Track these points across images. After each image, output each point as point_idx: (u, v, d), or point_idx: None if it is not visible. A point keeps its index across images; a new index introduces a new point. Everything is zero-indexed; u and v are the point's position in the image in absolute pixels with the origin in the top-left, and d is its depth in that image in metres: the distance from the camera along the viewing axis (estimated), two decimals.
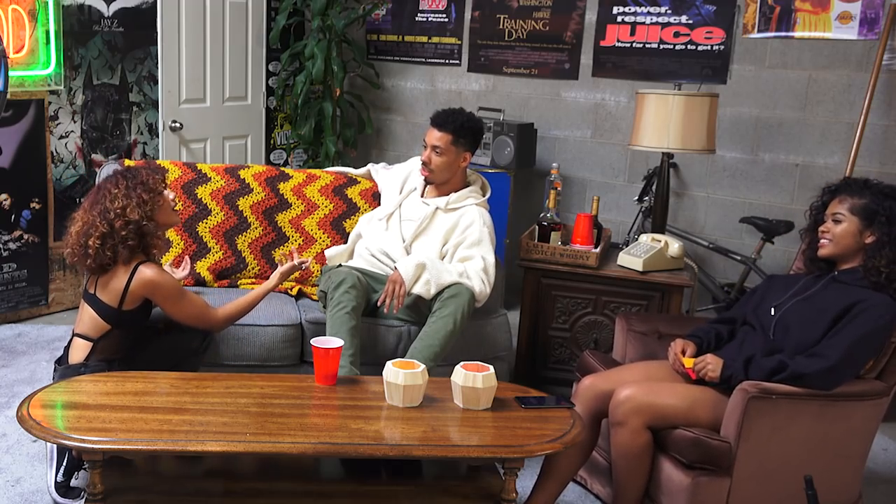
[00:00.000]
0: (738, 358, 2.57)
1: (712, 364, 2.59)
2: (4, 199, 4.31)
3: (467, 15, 5.30)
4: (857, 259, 2.60)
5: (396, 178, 3.53)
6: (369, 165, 3.79)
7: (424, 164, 3.32)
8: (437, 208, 3.31)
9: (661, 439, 2.55)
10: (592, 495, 2.91)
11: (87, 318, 2.76)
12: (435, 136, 3.28)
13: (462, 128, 3.29)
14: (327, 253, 3.43)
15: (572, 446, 2.36)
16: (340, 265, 3.33)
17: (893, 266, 2.51)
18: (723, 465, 2.47)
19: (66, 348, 2.82)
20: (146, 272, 2.71)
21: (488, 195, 3.43)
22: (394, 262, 3.24)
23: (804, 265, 2.80)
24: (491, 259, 3.22)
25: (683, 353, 2.70)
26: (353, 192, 3.69)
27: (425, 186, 3.42)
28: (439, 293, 3.08)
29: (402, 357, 3.00)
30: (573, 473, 2.72)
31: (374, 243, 3.35)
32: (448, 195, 3.34)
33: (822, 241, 2.64)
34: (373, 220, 3.44)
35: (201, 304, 2.84)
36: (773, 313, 2.67)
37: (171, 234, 3.51)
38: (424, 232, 3.30)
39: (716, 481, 2.48)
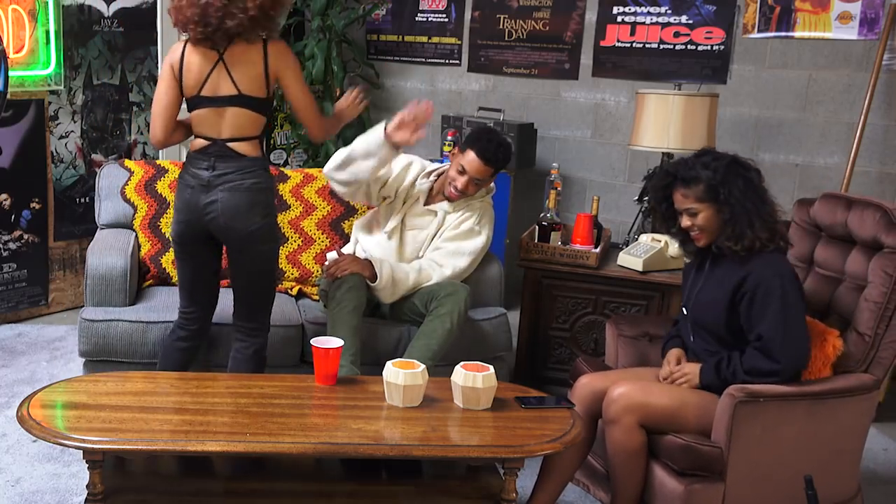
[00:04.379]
0: (707, 365, 2.58)
1: (690, 374, 2.60)
2: (4, 199, 4.31)
3: (467, 15, 5.31)
4: None
5: (396, 181, 3.37)
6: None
7: (460, 191, 3.21)
8: (445, 212, 3.29)
9: (652, 445, 2.53)
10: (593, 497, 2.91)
11: (244, 118, 2.74)
12: (481, 170, 3.18)
13: (505, 161, 3.24)
14: (329, 255, 3.42)
15: (572, 446, 2.36)
16: None
17: (753, 240, 2.49)
18: (715, 470, 2.46)
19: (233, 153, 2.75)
20: (280, 43, 2.73)
21: (493, 191, 3.40)
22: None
23: (685, 252, 2.79)
24: (469, 248, 3.24)
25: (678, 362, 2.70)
26: None
27: (429, 193, 3.35)
28: (435, 292, 3.10)
29: (402, 357, 3.00)
30: (573, 472, 2.72)
31: (379, 255, 3.30)
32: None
33: (693, 235, 2.63)
34: (371, 229, 3.38)
35: (315, 101, 2.84)
36: (685, 313, 2.69)
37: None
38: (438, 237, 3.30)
39: (710, 487, 2.47)
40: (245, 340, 2.89)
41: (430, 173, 3.36)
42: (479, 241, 3.27)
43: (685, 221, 2.61)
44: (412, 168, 3.39)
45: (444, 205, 3.30)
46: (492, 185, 3.42)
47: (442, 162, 4.88)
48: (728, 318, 2.55)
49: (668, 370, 2.66)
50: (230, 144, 2.75)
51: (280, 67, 2.72)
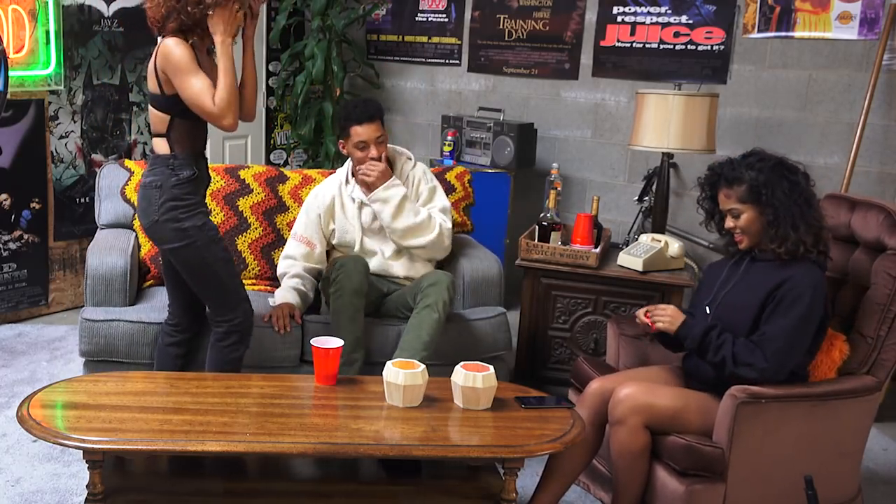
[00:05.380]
0: (699, 324, 2.55)
1: (670, 316, 2.58)
2: (4, 199, 4.31)
3: (467, 15, 5.30)
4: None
5: (323, 218, 3.35)
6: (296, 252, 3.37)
7: (375, 159, 3.20)
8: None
9: (654, 445, 2.53)
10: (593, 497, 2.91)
11: (152, 115, 2.77)
12: (373, 129, 3.18)
13: (381, 110, 3.26)
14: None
15: (572, 446, 2.36)
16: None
17: (797, 243, 2.47)
18: (717, 470, 2.46)
19: (152, 151, 2.81)
20: (165, 42, 2.63)
21: (406, 152, 3.41)
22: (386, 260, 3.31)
23: (724, 250, 2.77)
24: (447, 203, 3.36)
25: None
26: None
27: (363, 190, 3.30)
28: (419, 284, 3.12)
29: (395, 353, 2.99)
30: (577, 474, 2.70)
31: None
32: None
33: (735, 237, 2.61)
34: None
35: (201, 89, 2.62)
36: (707, 312, 2.65)
37: None
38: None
39: (711, 488, 2.47)
40: (213, 329, 2.89)
41: (346, 179, 3.33)
42: (440, 190, 3.38)
43: (728, 223, 2.60)
44: (322, 197, 3.35)
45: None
46: (393, 147, 3.42)
47: (443, 162, 4.90)
48: (754, 324, 2.51)
49: (644, 310, 2.65)
50: (153, 140, 2.80)
51: (162, 65, 2.65)
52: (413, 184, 3.33)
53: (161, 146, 2.76)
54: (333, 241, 3.37)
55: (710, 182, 2.64)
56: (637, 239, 3.66)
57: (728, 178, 2.56)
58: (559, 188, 3.75)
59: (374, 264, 3.29)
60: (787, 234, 2.47)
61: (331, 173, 3.80)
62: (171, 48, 2.63)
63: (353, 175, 3.32)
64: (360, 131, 3.18)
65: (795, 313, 2.43)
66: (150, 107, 2.78)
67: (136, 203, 3.53)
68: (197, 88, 2.62)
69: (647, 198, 4.46)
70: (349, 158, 3.30)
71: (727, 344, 2.48)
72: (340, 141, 3.29)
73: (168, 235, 2.74)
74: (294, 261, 3.32)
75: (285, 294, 3.23)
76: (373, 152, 3.20)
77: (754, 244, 2.59)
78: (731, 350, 2.47)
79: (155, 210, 2.73)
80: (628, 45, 4.72)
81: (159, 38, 2.72)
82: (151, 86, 2.73)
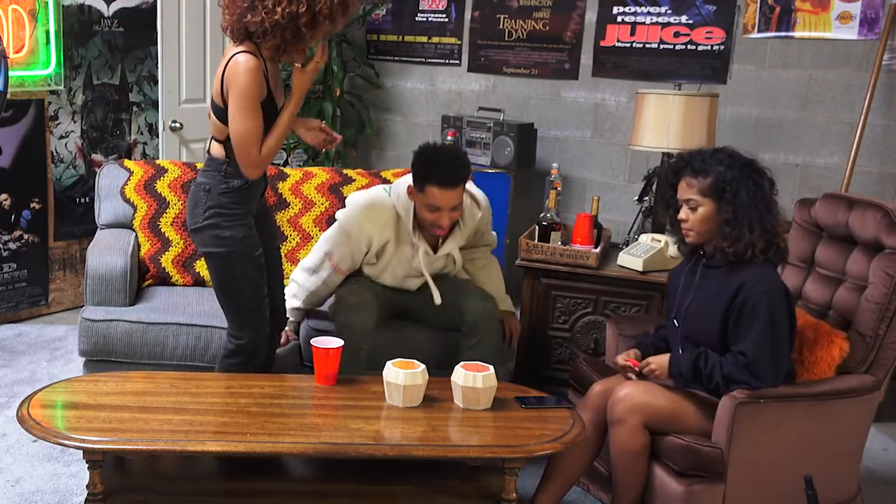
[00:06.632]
0: (684, 358, 2.53)
1: (657, 369, 2.56)
2: (4, 199, 4.31)
3: (467, 15, 5.30)
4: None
5: (370, 254, 3.05)
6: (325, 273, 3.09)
7: (448, 226, 2.92)
8: (458, 246, 3.12)
9: (653, 446, 2.53)
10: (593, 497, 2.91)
11: (212, 121, 2.67)
12: (453, 198, 2.81)
13: (468, 170, 2.91)
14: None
15: (573, 447, 2.36)
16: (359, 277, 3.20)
17: (748, 246, 2.44)
18: (716, 471, 2.45)
19: (208, 151, 2.72)
20: (240, 58, 2.52)
21: (474, 198, 3.12)
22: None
23: (678, 249, 2.75)
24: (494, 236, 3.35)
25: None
26: (348, 191, 3.68)
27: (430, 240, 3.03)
28: (466, 320, 3.04)
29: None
30: (578, 475, 2.70)
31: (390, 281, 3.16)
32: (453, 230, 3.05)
33: (683, 228, 2.57)
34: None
35: (252, 132, 2.53)
36: (676, 325, 2.64)
37: (172, 234, 3.52)
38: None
39: (710, 488, 2.47)
40: (225, 343, 2.82)
41: (412, 224, 2.95)
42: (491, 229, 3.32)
43: (682, 214, 2.56)
44: (377, 234, 2.99)
45: (453, 243, 3.07)
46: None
47: None
48: (722, 333, 2.50)
49: (623, 357, 2.65)
50: (211, 142, 2.72)
51: (229, 81, 2.54)
52: (475, 232, 3.18)
53: (217, 150, 2.67)
54: (366, 270, 3.14)
55: (676, 168, 2.59)
56: (637, 239, 3.66)
57: (696, 167, 2.52)
58: (559, 188, 3.75)
59: (405, 298, 3.20)
60: (742, 234, 2.44)
61: (334, 169, 3.79)
62: (244, 74, 2.51)
63: (416, 219, 2.95)
64: (439, 196, 2.79)
65: (761, 324, 2.40)
66: (210, 113, 2.67)
67: (135, 203, 3.55)
68: (249, 130, 2.53)
69: (647, 198, 4.45)
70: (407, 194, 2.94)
71: (716, 368, 2.46)
72: (410, 186, 2.89)
73: (207, 241, 2.68)
74: (322, 284, 3.07)
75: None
76: (443, 221, 2.85)
77: (701, 241, 2.56)
78: (720, 375, 2.45)
79: (199, 213, 2.67)
80: (628, 45, 4.71)
81: (230, 43, 2.62)
82: (216, 95, 2.61)
